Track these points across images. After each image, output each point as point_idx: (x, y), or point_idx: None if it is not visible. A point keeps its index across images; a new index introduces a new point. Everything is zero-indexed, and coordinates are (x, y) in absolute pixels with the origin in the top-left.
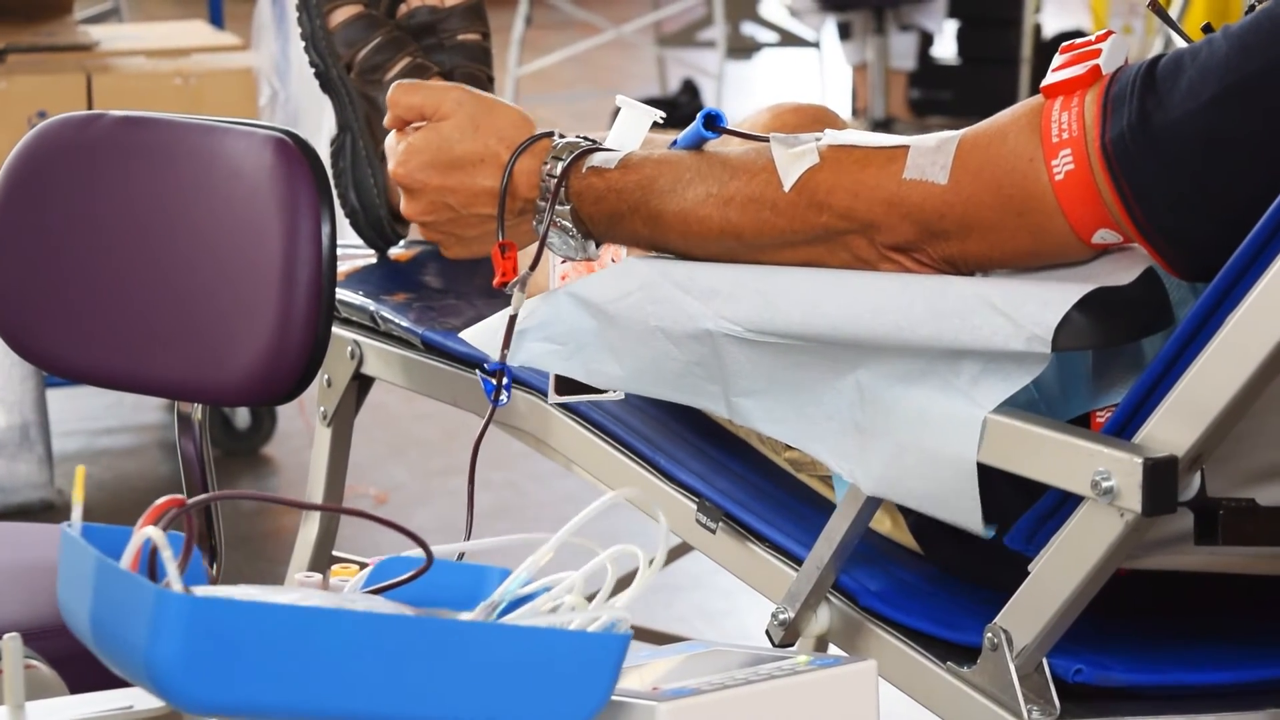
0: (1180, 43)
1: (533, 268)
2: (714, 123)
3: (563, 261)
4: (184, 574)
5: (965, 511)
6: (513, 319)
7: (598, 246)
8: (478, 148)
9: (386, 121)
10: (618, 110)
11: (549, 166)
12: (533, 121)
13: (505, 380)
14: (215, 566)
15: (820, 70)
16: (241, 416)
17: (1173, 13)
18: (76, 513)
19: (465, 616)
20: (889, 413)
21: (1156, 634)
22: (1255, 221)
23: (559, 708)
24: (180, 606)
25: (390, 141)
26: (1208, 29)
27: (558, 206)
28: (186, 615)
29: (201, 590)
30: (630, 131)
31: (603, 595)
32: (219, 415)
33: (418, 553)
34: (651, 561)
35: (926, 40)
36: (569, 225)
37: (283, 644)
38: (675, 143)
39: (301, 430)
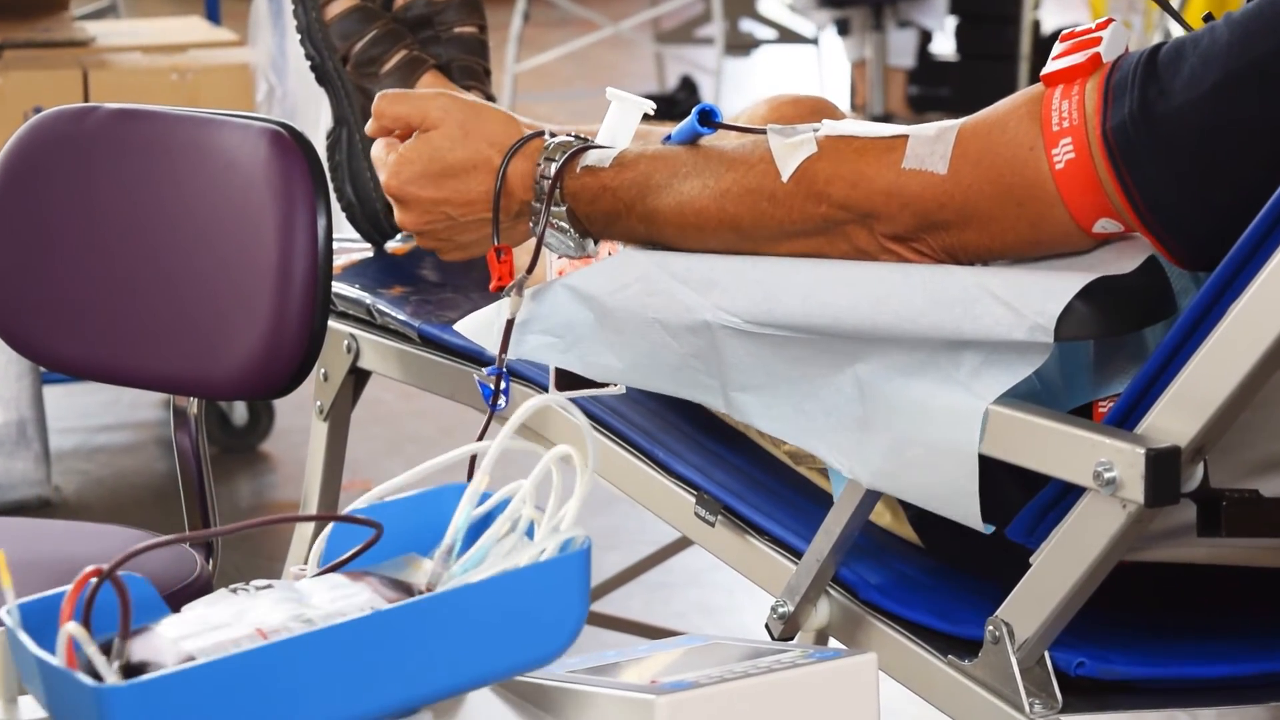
0: (1180, 32)
1: (530, 270)
2: (709, 118)
3: (559, 259)
4: (132, 624)
5: (964, 506)
6: (510, 322)
7: (595, 244)
8: (469, 154)
9: (371, 130)
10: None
11: (542, 167)
12: (518, 122)
13: (504, 385)
14: (212, 564)
15: (819, 67)
16: (239, 413)
17: (1173, 2)
18: (9, 598)
19: (424, 565)
20: (889, 406)
21: (1159, 627)
22: (1258, 210)
23: (541, 639)
24: (118, 700)
25: (379, 153)
26: (1209, 19)
27: (553, 207)
28: (126, 706)
29: (165, 625)
30: (622, 124)
31: (551, 508)
32: (216, 412)
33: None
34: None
35: (925, 37)
36: (565, 225)
37: (234, 693)
38: (669, 138)
39: (299, 426)
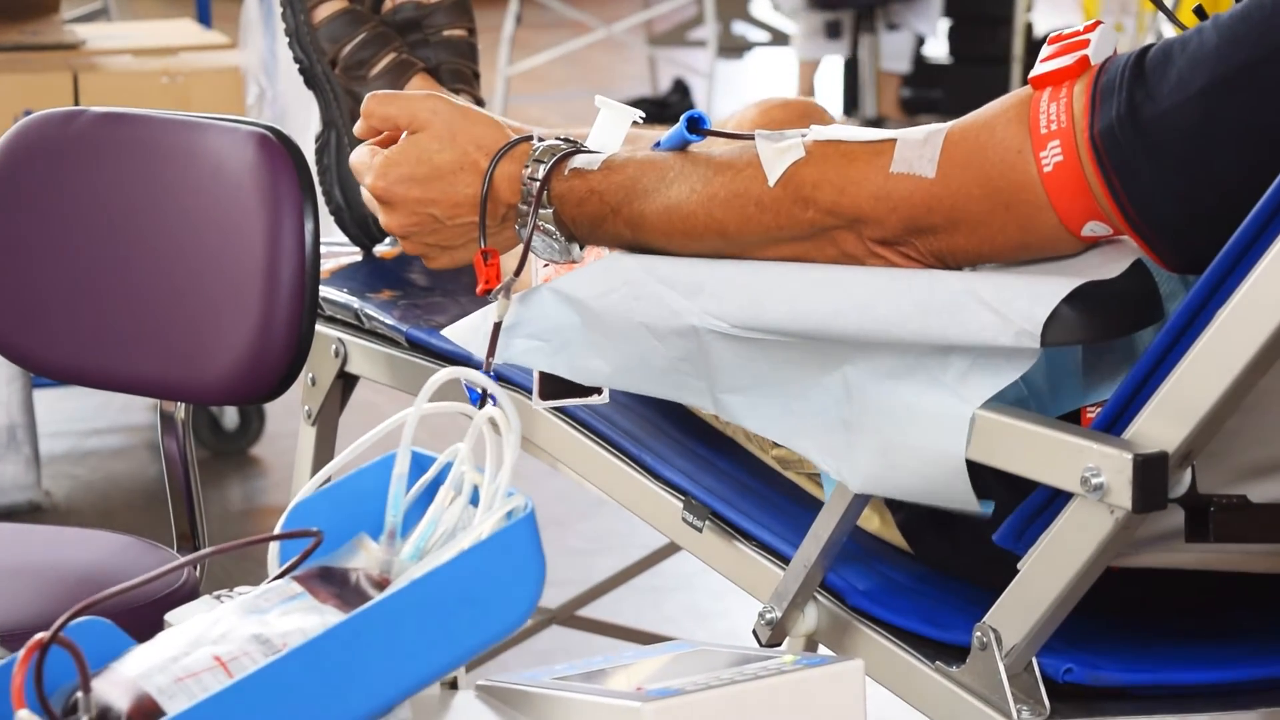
0: (1170, 30)
1: (517, 273)
2: (697, 125)
3: (545, 265)
4: (97, 666)
5: (958, 499)
6: (497, 326)
7: (581, 249)
8: (456, 156)
9: (359, 130)
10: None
11: (530, 170)
12: (507, 129)
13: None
14: (199, 570)
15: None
16: (229, 417)
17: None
18: None
19: (375, 550)
20: (876, 409)
21: (1147, 633)
22: (1245, 213)
23: (502, 610)
24: None
25: (363, 155)
26: (1200, 12)
27: (540, 210)
28: None
29: (128, 661)
30: (610, 132)
31: (489, 473)
32: (207, 415)
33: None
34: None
35: (918, 39)
36: (552, 229)
37: None
38: (658, 145)
39: (289, 430)
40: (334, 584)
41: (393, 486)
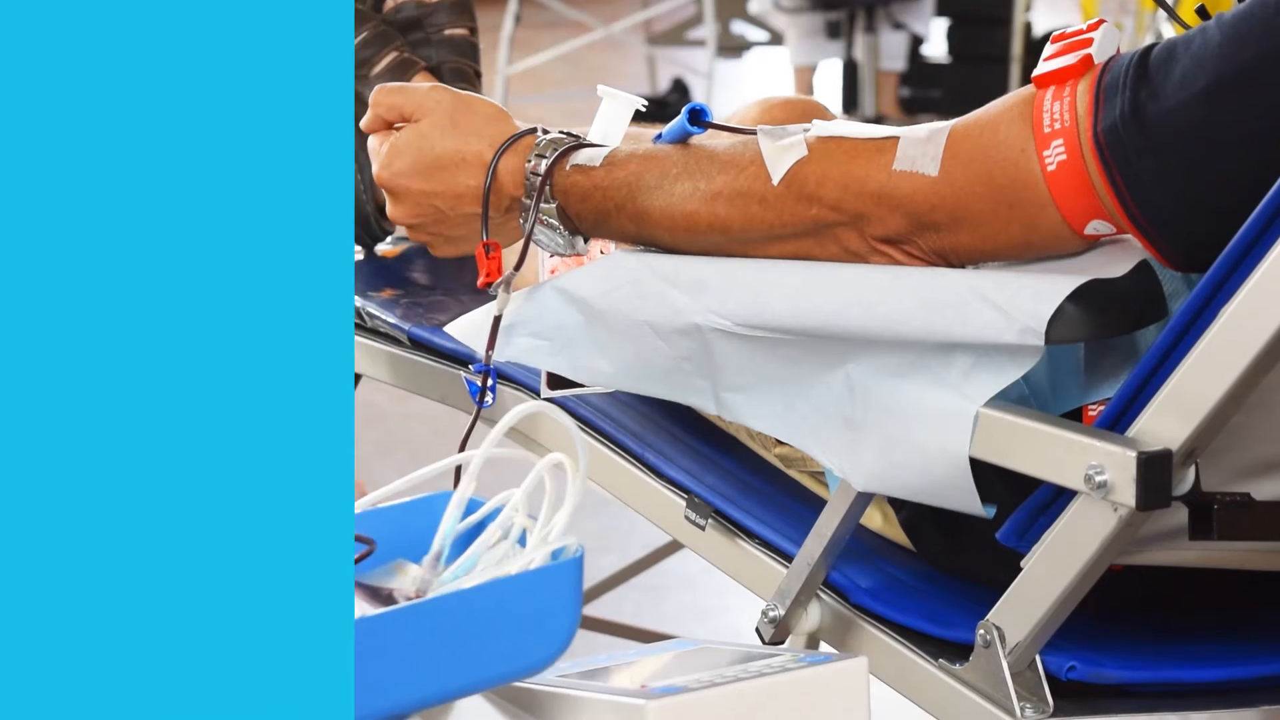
0: (1170, 29)
1: (518, 267)
2: (699, 118)
3: (551, 256)
4: None
5: (960, 499)
6: (497, 319)
7: (586, 242)
8: (458, 145)
9: (366, 123)
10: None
11: (533, 164)
12: (510, 115)
13: (490, 382)
14: None
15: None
16: None
17: None
18: None
19: (413, 572)
20: (879, 407)
21: (1151, 630)
22: (1249, 212)
23: (531, 647)
24: None
25: (373, 144)
26: (1202, 11)
27: (543, 204)
28: None
29: None
30: (613, 121)
31: (544, 516)
32: None
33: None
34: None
35: (916, 39)
36: (555, 223)
37: None
38: (659, 137)
39: None
40: (366, 593)
41: (449, 511)
